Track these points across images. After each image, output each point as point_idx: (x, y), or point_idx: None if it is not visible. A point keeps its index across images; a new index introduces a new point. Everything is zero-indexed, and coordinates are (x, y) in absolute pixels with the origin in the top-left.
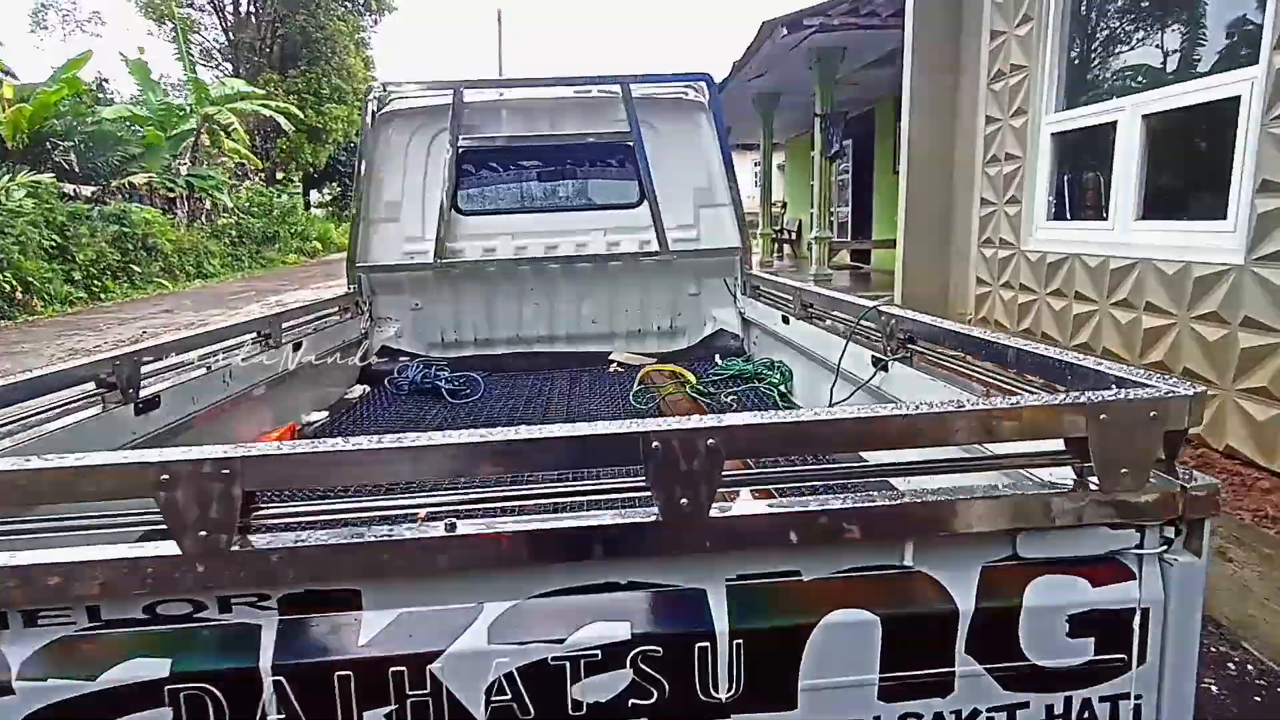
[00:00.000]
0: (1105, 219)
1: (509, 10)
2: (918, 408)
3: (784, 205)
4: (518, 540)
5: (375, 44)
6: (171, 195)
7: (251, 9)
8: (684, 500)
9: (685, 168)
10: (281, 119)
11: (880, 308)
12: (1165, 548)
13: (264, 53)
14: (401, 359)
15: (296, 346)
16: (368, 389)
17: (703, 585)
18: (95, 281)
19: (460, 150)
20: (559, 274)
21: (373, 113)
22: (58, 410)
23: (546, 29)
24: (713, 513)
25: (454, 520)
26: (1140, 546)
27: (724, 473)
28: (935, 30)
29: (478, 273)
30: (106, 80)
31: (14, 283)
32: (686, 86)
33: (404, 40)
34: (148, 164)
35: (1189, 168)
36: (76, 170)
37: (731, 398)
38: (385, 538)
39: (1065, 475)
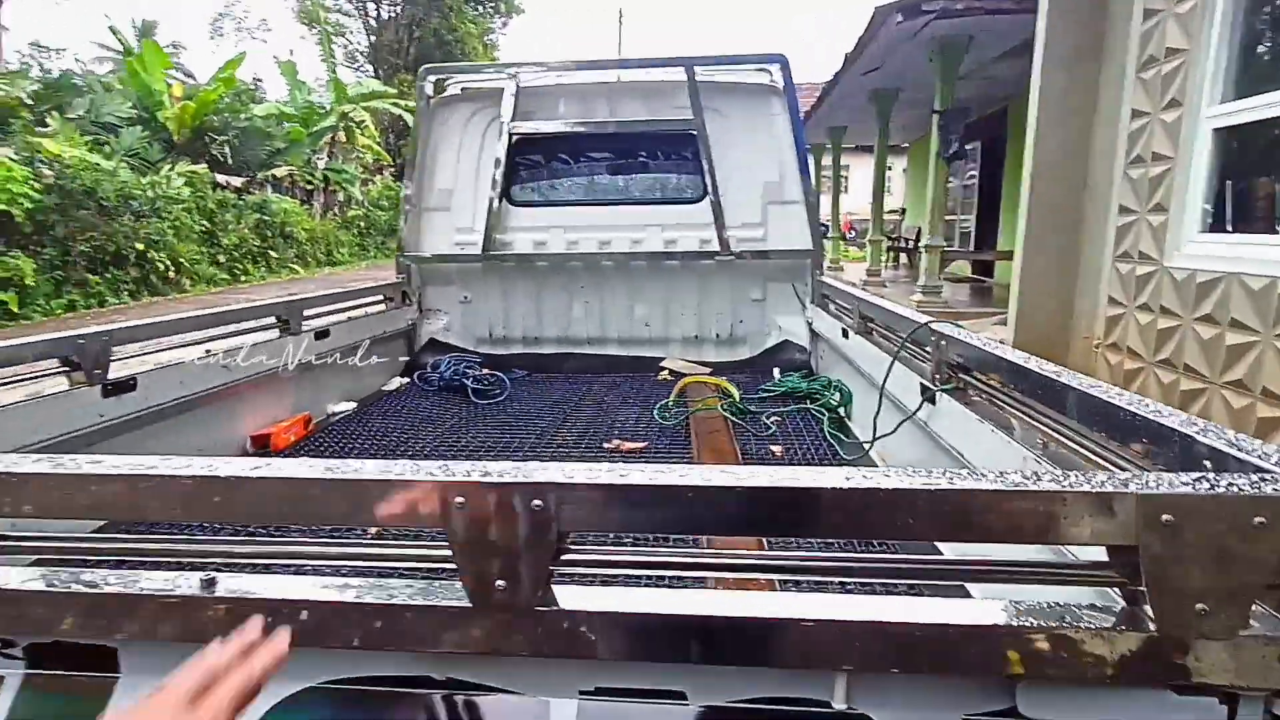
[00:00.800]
0: (1277, 231)
1: (630, 9)
2: (866, 478)
3: (903, 212)
4: (287, 609)
5: (503, 44)
6: (309, 187)
7: (391, 13)
8: (500, 584)
9: (754, 160)
10: (410, 117)
11: (932, 325)
12: None
13: (401, 55)
14: (450, 354)
15: (322, 334)
16: (407, 382)
17: (546, 695)
18: (237, 264)
19: (514, 138)
20: (612, 271)
21: (428, 96)
22: (12, 385)
23: (667, 26)
24: (543, 605)
25: (214, 576)
26: None
27: (571, 546)
28: (1074, 12)
29: (528, 267)
30: (261, 80)
31: (168, 262)
32: (759, 69)
33: (530, 41)
34: (290, 158)
35: None
36: (229, 163)
37: (775, 420)
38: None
39: (1110, 599)
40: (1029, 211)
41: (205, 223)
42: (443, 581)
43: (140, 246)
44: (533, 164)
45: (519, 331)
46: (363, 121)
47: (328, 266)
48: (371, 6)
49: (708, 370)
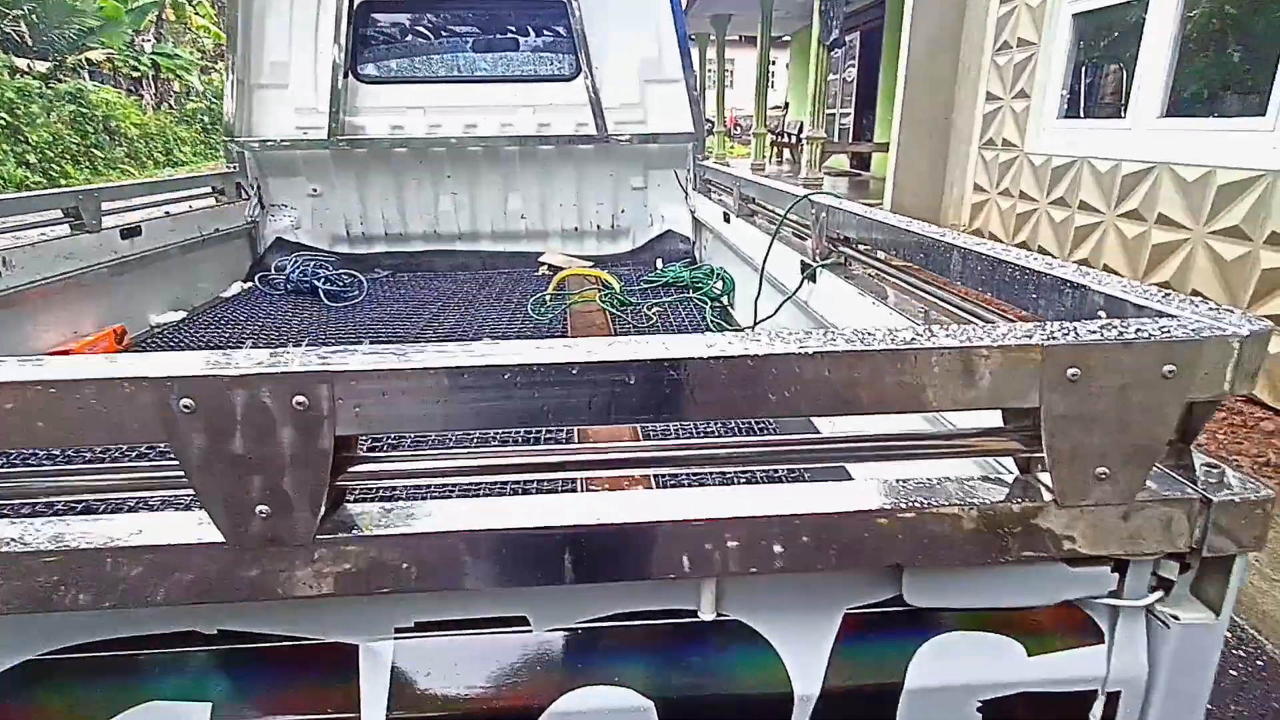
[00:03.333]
0: (1123, 117)
1: None
2: (730, 344)
3: (786, 107)
4: None
5: None
6: (136, 75)
7: None
8: (262, 510)
9: (630, 35)
10: None
11: (811, 197)
12: (1160, 596)
13: None
14: (301, 254)
15: (130, 232)
16: (250, 286)
17: (352, 638)
18: (54, 165)
19: (356, 1)
20: (482, 159)
21: None
22: None
23: None
24: (326, 534)
25: None
26: (1117, 594)
27: (358, 455)
28: None
29: (385, 155)
30: None
31: None
32: None
33: None
34: (107, 39)
35: (1227, 58)
36: (29, 44)
37: (656, 310)
38: None
39: (1000, 469)
40: (903, 103)
41: (5, 116)
42: (186, 512)
43: None
44: (384, 36)
45: (379, 228)
46: None
47: (168, 168)
48: None
49: (589, 264)
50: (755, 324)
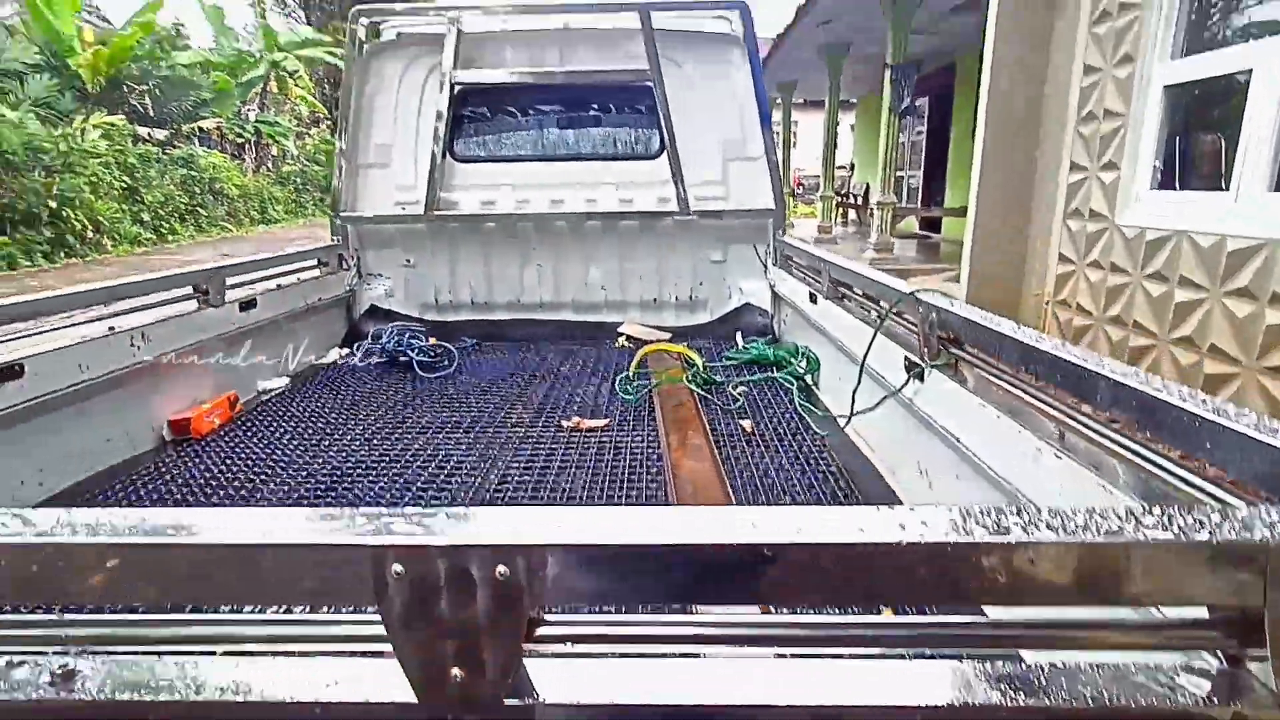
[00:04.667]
0: (1226, 189)
1: None
2: (902, 528)
3: (851, 167)
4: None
5: None
6: (240, 141)
7: None
8: (456, 672)
9: (714, 114)
10: None
11: (918, 294)
12: None
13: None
14: (394, 323)
15: (248, 305)
16: (346, 353)
17: None
18: (163, 223)
19: (457, 88)
20: (565, 232)
21: (359, 41)
22: None
23: None
24: (514, 696)
25: (71, 665)
26: None
27: (546, 618)
28: None
29: (475, 228)
30: (183, 25)
31: (85, 222)
32: (718, 17)
33: None
34: (218, 109)
35: None
36: (151, 115)
37: (741, 390)
38: None
39: (1199, 661)
40: (982, 169)
41: (126, 179)
42: (380, 663)
43: (53, 204)
44: (478, 117)
45: (466, 297)
46: (296, 71)
47: (262, 225)
48: None
49: (667, 336)
50: (852, 415)
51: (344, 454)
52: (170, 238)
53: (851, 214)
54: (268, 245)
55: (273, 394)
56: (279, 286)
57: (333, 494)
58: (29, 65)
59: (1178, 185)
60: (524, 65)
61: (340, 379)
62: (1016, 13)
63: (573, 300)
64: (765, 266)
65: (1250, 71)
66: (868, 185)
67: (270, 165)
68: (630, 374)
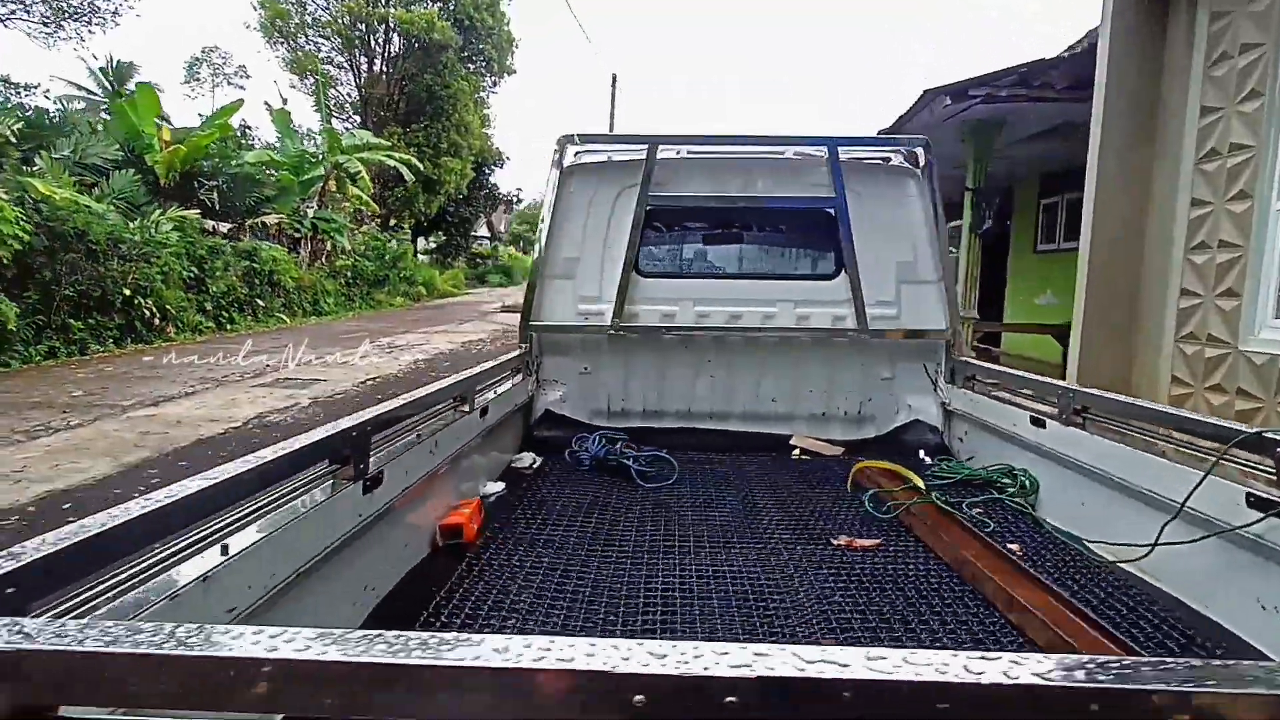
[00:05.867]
0: None
1: (623, 74)
2: None
3: None
4: None
5: (493, 103)
6: (297, 236)
7: (384, 68)
8: None
9: (888, 239)
10: (404, 169)
11: (1266, 434)
12: None
13: (391, 107)
14: (598, 431)
15: (484, 412)
16: (536, 458)
17: None
18: (224, 313)
19: (647, 208)
20: (740, 346)
21: (560, 162)
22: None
23: (659, 91)
24: None
25: None
26: None
27: None
28: (1129, 104)
29: (653, 339)
30: (250, 128)
31: (154, 310)
32: (895, 151)
33: (523, 98)
34: (280, 206)
35: None
36: (217, 209)
37: (977, 511)
38: None
39: None
40: (1086, 289)
41: (194, 269)
42: None
43: (128, 291)
44: (663, 235)
45: (639, 405)
46: (358, 172)
47: (314, 316)
48: (363, 60)
49: (840, 450)
50: (1150, 549)
51: (606, 561)
52: (229, 327)
53: None
54: (322, 338)
55: (494, 497)
56: (497, 394)
57: (617, 603)
58: (110, 161)
59: None
60: (709, 190)
61: (556, 485)
62: (1116, 149)
63: (742, 411)
64: (934, 383)
65: None
66: None
67: (324, 259)
68: (876, 491)
